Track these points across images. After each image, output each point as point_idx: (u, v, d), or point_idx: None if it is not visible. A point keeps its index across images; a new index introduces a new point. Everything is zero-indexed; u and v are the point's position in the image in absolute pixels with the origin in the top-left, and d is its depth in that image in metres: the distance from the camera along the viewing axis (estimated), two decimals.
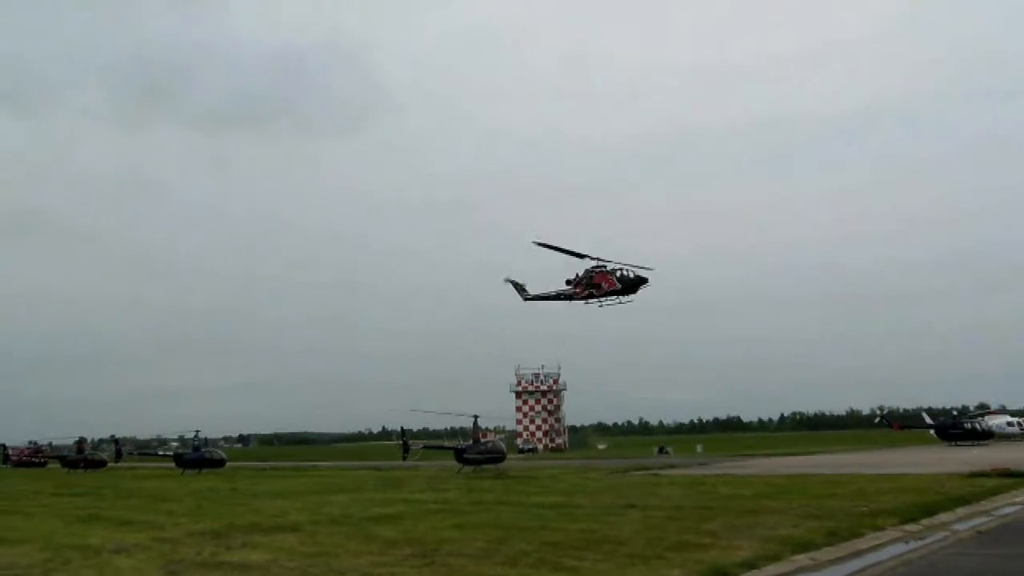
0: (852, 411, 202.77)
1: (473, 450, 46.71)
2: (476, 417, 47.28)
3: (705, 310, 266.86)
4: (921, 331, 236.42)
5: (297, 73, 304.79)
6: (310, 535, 17.82)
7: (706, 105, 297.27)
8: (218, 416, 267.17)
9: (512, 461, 54.91)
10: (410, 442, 58.61)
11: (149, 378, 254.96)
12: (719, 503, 22.47)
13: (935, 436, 67.08)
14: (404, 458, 57.77)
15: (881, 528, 16.71)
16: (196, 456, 56.41)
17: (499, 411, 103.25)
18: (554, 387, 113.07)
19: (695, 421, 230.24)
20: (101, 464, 66.71)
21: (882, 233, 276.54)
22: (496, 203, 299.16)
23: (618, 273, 41.15)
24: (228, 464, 58.82)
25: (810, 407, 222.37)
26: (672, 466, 46.25)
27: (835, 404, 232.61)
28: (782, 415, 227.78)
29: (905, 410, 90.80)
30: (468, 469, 45.24)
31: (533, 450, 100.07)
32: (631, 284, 41.12)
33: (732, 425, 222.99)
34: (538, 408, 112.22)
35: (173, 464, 59.00)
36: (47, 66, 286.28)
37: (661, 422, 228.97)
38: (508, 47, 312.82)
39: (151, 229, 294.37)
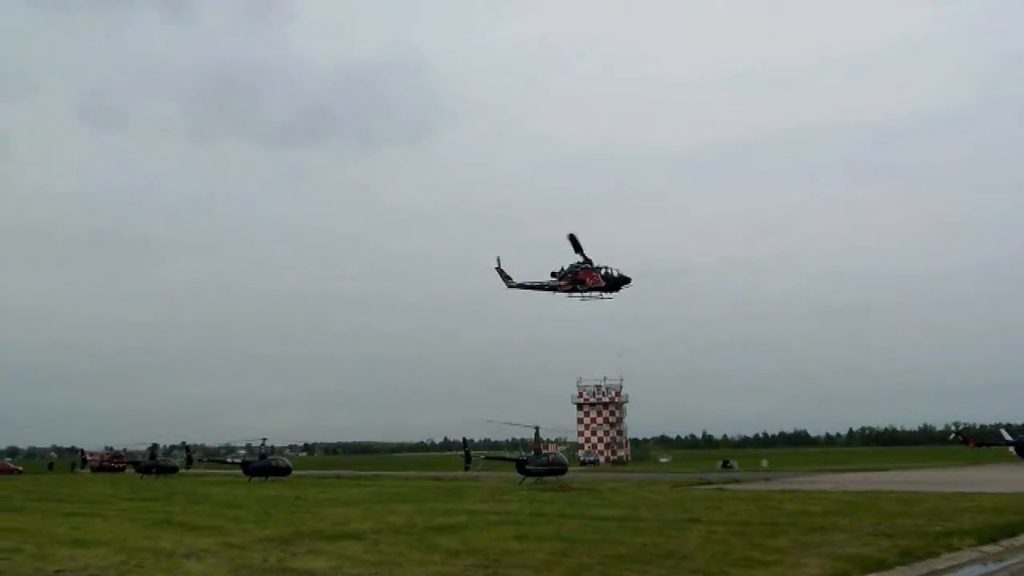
0: (926, 427, 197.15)
1: (535, 462, 46.59)
2: (537, 428, 47.21)
3: (770, 321, 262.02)
4: (1001, 342, 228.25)
5: (360, 87, 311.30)
6: (373, 543, 17.98)
7: (761, 111, 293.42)
8: (284, 425, 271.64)
9: (573, 473, 54.64)
10: (472, 453, 58.79)
11: (219, 388, 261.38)
12: (786, 519, 21.96)
13: (1015, 454, 64.55)
14: (466, 469, 57.97)
15: (957, 549, 16.12)
16: (263, 464, 57.43)
17: (560, 423, 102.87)
18: (616, 399, 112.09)
19: (760, 435, 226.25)
20: (173, 470, 68.57)
21: (959, 240, 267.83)
22: (551, 215, 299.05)
23: (603, 271, 43.41)
24: (293, 472, 59.81)
25: (881, 422, 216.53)
26: (736, 480, 45.44)
27: (907, 419, 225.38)
28: (851, 430, 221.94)
29: (982, 426, 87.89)
30: (530, 481, 45.15)
31: (595, 462, 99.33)
32: (615, 282, 43.64)
33: (799, 439, 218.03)
34: (600, 420, 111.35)
35: (240, 471, 60.24)
36: (123, 82, 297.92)
37: (725, 435, 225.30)
38: (564, 60, 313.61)
39: (219, 242, 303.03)
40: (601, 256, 43.87)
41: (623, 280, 43.61)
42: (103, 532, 21.64)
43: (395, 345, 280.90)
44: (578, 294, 43.95)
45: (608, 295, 43.86)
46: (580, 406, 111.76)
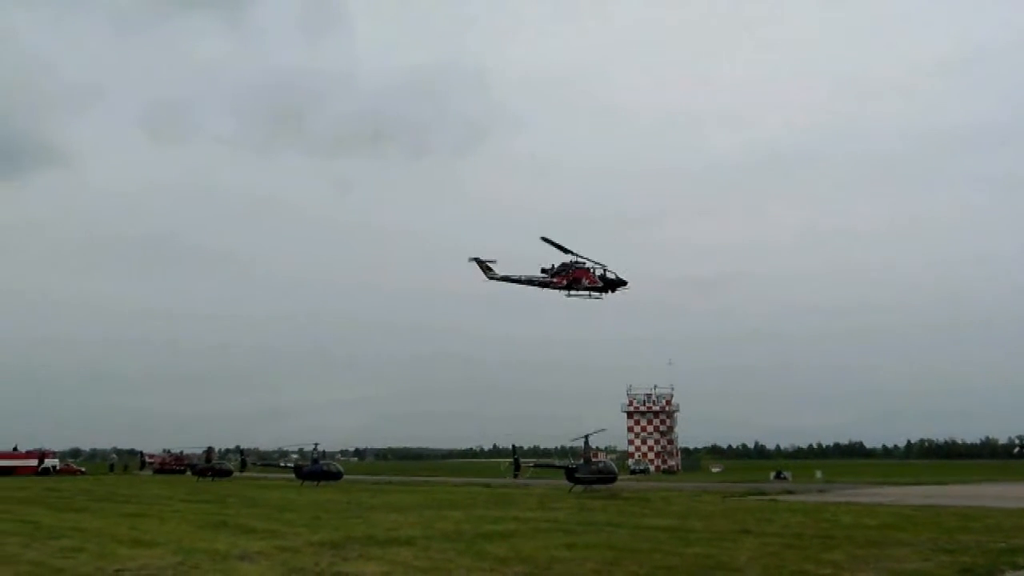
0: (988, 440, 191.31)
1: (584, 470, 46.36)
2: (587, 437, 46.93)
3: (825, 332, 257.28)
4: None
5: (417, 94, 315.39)
6: (423, 549, 18.08)
7: (829, 121, 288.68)
8: (336, 430, 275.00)
9: (623, 482, 54.25)
10: (521, 460, 58.76)
11: (274, 392, 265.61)
12: (841, 532, 21.51)
13: None
14: (515, 476, 57.94)
15: (1021, 567, 15.61)
16: (315, 468, 58.09)
17: (610, 431, 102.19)
18: (667, 408, 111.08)
19: (814, 446, 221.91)
20: (227, 473, 69.80)
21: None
22: (606, 221, 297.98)
23: (598, 271, 42.39)
24: (344, 477, 60.42)
25: (940, 434, 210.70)
26: (790, 492, 44.63)
27: (969, 432, 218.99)
28: (909, 442, 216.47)
29: None
30: (579, 489, 44.96)
31: (645, 471, 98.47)
32: (611, 284, 42.44)
33: (854, 451, 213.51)
34: (650, 429, 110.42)
35: (293, 475, 61.05)
36: (184, 94, 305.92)
37: (778, 446, 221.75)
38: (624, 68, 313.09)
39: (278, 250, 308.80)
40: (600, 258, 43.06)
41: (620, 282, 42.56)
42: (161, 533, 22.14)
43: (445, 349, 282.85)
44: (575, 292, 42.89)
45: (597, 294, 42.93)
46: (630, 414, 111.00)
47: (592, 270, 42.46)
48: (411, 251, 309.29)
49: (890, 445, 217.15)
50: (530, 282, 43.97)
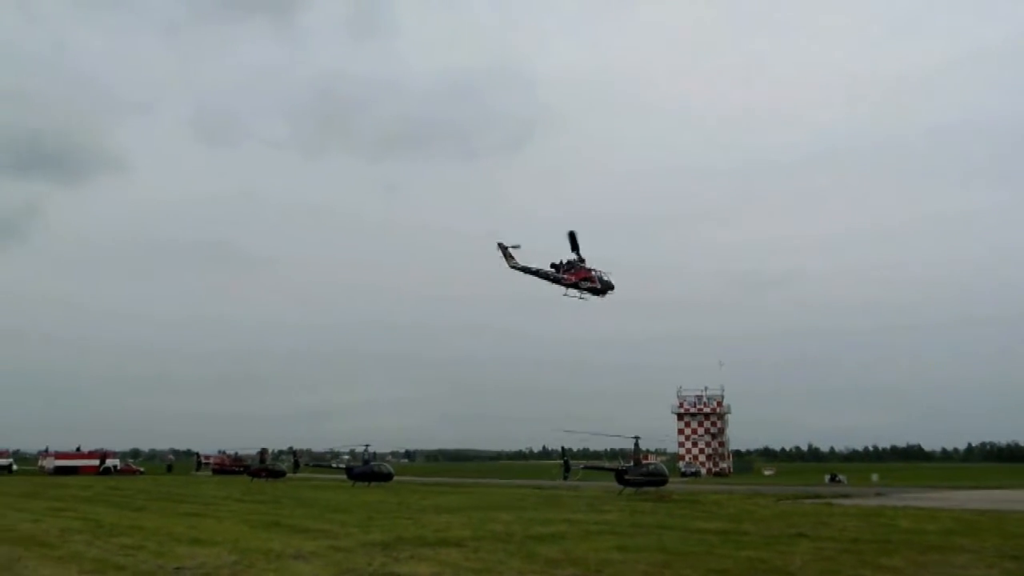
0: None
1: (634, 472, 46.09)
2: (637, 439, 46.65)
3: (881, 330, 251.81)
4: None
5: (463, 96, 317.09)
6: (474, 551, 18.11)
7: (881, 114, 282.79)
8: (387, 431, 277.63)
9: (674, 484, 53.76)
10: (571, 462, 58.55)
11: (324, 394, 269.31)
12: (900, 537, 21.00)
13: None
14: (565, 478, 57.77)
15: None
16: (366, 469, 58.67)
17: (660, 433, 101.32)
18: (717, 409, 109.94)
19: (870, 448, 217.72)
20: (280, 474, 70.95)
21: None
22: (649, 219, 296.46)
23: (595, 273, 43.25)
24: (395, 478, 60.87)
25: (1003, 436, 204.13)
26: (846, 495, 43.77)
27: None
28: (970, 445, 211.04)
29: None
30: (629, 491, 44.68)
31: (696, 474, 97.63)
32: (605, 287, 43.31)
33: (912, 454, 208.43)
34: (701, 431, 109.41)
35: (344, 476, 61.74)
36: (234, 99, 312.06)
37: (832, 448, 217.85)
38: (671, 65, 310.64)
39: (325, 253, 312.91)
40: (599, 263, 44.03)
41: (610, 287, 43.44)
42: (217, 532, 22.56)
43: (495, 352, 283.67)
44: (576, 291, 43.52)
45: (589, 295, 43.60)
46: (680, 416, 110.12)
47: (592, 272, 43.33)
48: (460, 253, 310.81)
49: (950, 448, 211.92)
50: (545, 277, 44.44)
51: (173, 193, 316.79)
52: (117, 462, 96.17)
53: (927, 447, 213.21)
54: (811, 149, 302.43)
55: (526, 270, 44.99)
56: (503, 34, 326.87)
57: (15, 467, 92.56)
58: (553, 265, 44.05)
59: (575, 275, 43.17)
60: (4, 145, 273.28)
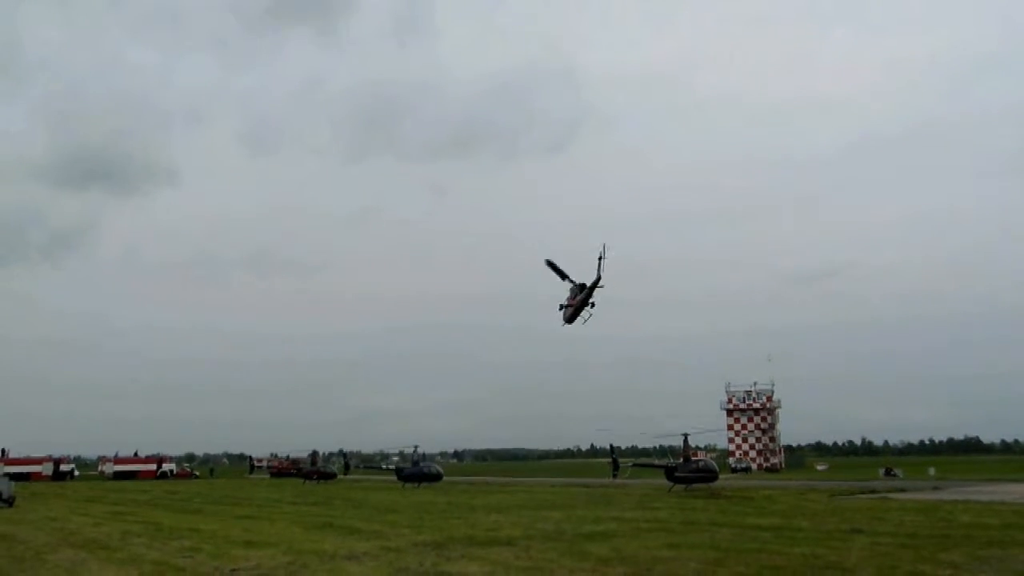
0: None
1: (684, 469, 45.71)
2: (686, 435, 46.23)
3: (936, 323, 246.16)
4: None
5: (506, 97, 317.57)
6: (524, 549, 18.16)
7: (932, 107, 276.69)
8: (436, 432, 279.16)
9: (724, 480, 53.22)
10: (619, 460, 58.30)
11: (374, 397, 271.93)
12: (959, 532, 20.55)
13: None
14: (614, 476, 57.54)
15: None
16: (415, 470, 59.05)
17: (710, 429, 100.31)
18: (768, 404, 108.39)
19: (926, 442, 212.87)
20: (332, 476, 71.81)
21: None
22: (702, 216, 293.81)
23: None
24: (444, 478, 61.18)
25: None
26: (902, 490, 42.93)
27: None
28: None
29: None
30: (679, 488, 44.34)
31: (746, 469, 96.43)
32: (588, 289, 37.82)
33: (970, 447, 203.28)
34: (751, 426, 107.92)
35: (394, 477, 62.21)
36: (278, 107, 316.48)
37: (887, 442, 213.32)
38: (711, 68, 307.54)
39: (373, 257, 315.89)
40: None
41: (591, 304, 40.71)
42: (272, 534, 22.95)
43: (541, 352, 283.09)
44: (577, 314, 41.36)
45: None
46: (730, 412, 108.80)
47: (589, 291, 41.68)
48: (505, 254, 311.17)
49: (1009, 440, 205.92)
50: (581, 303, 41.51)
51: (219, 202, 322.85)
52: (173, 466, 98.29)
53: (986, 439, 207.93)
54: (860, 141, 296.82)
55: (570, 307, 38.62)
56: (544, 34, 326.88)
57: (77, 472, 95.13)
58: (573, 287, 41.61)
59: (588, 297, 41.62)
60: (62, 162, 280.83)
